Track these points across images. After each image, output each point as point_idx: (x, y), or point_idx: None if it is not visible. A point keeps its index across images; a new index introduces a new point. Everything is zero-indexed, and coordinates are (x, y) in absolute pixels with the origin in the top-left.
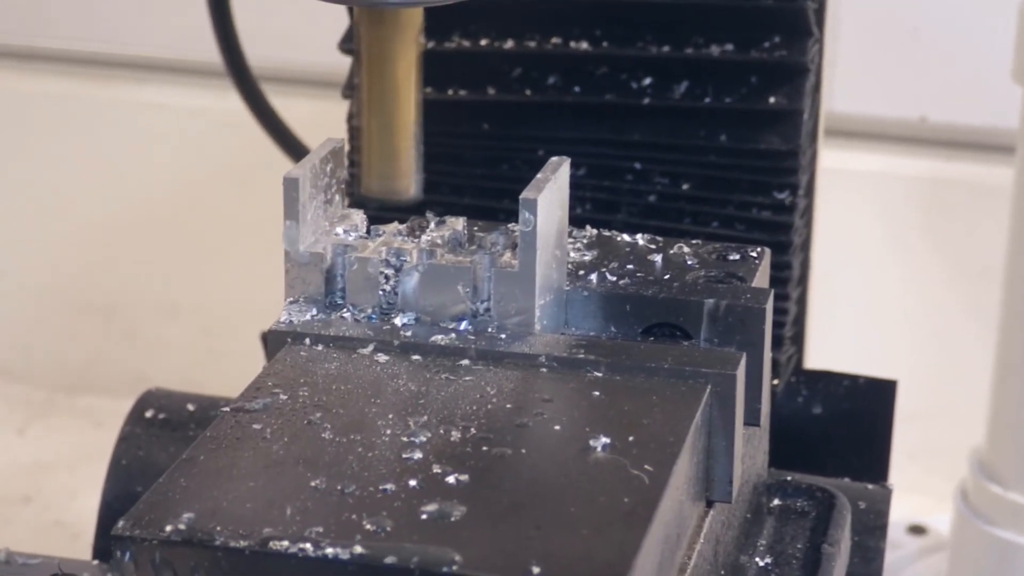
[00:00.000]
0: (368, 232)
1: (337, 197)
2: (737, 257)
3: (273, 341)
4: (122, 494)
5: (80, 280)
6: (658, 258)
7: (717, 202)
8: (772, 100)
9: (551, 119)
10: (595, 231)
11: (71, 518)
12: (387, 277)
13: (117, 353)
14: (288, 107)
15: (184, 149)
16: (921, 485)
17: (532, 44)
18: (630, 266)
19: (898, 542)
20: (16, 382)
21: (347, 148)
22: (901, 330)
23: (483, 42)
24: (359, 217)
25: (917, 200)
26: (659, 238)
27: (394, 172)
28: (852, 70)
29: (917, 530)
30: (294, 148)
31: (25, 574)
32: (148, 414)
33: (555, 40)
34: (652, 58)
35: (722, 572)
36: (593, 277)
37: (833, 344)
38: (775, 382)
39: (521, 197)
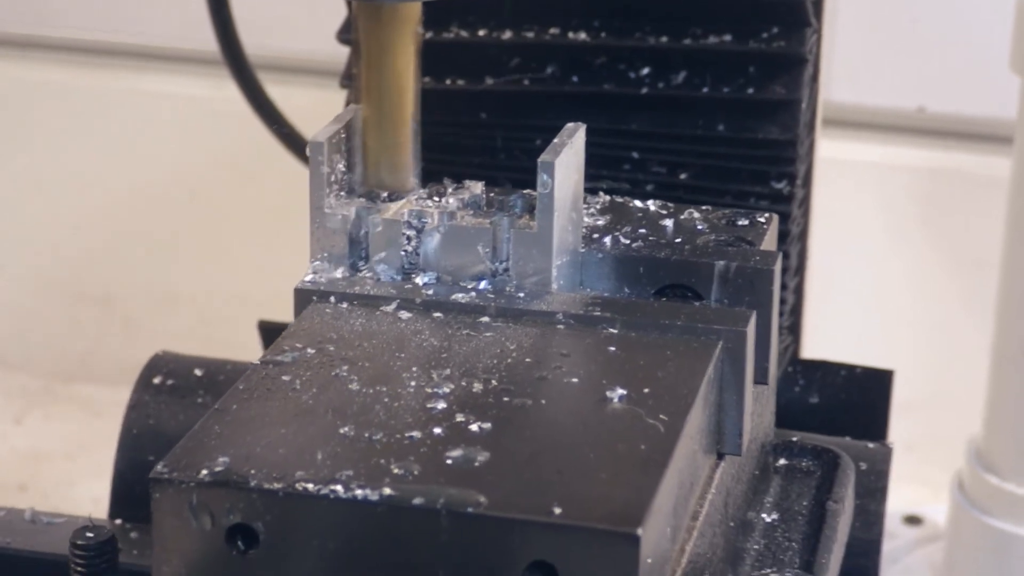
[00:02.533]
0: (390, 196)
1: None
2: (746, 222)
3: (299, 299)
4: (134, 463)
5: (78, 269)
6: (669, 223)
7: (715, 192)
8: (770, 90)
9: (549, 109)
10: (608, 197)
11: (68, 507)
12: (409, 238)
13: (115, 342)
14: (286, 96)
15: (182, 138)
16: (917, 475)
17: (530, 34)
18: (642, 230)
19: (894, 532)
20: (13, 370)
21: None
22: (898, 320)
23: (481, 32)
24: None
25: (915, 190)
26: (670, 204)
27: (393, 163)
28: (850, 60)
29: (913, 520)
30: (291, 138)
31: (50, 532)
32: (156, 380)
33: (553, 30)
34: (650, 48)
35: (731, 523)
36: (607, 240)
37: (830, 334)
38: None
39: (539, 160)
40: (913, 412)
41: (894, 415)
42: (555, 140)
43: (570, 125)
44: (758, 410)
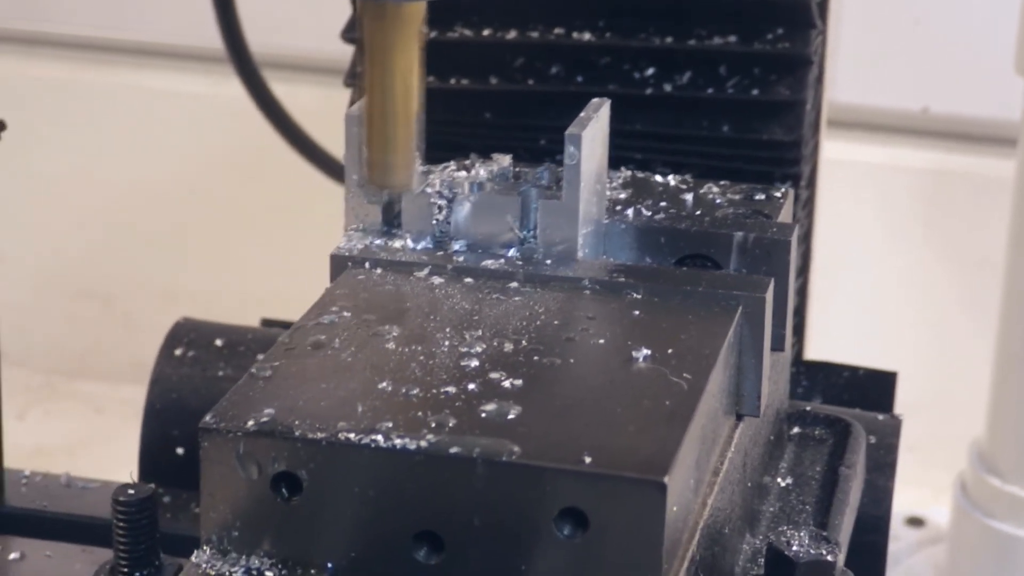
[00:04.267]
0: (424, 170)
1: None
2: (763, 196)
3: (335, 265)
4: (159, 438)
5: (80, 266)
6: (689, 196)
7: None
8: (775, 91)
9: (554, 109)
10: (629, 172)
11: None
12: (440, 208)
13: (116, 339)
14: (290, 95)
15: (185, 135)
16: (920, 477)
17: (535, 34)
18: (663, 203)
19: (897, 534)
20: (15, 367)
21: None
22: (901, 321)
23: (486, 32)
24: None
25: (918, 191)
26: (689, 179)
27: (396, 163)
28: (854, 61)
29: (916, 522)
30: (294, 135)
31: (85, 496)
32: (178, 352)
33: (558, 30)
34: (655, 48)
35: (749, 484)
36: (629, 212)
37: (833, 335)
38: None
39: (567, 133)
40: (916, 414)
41: None
42: (581, 114)
43: (595, 100)
44: (774, 377)
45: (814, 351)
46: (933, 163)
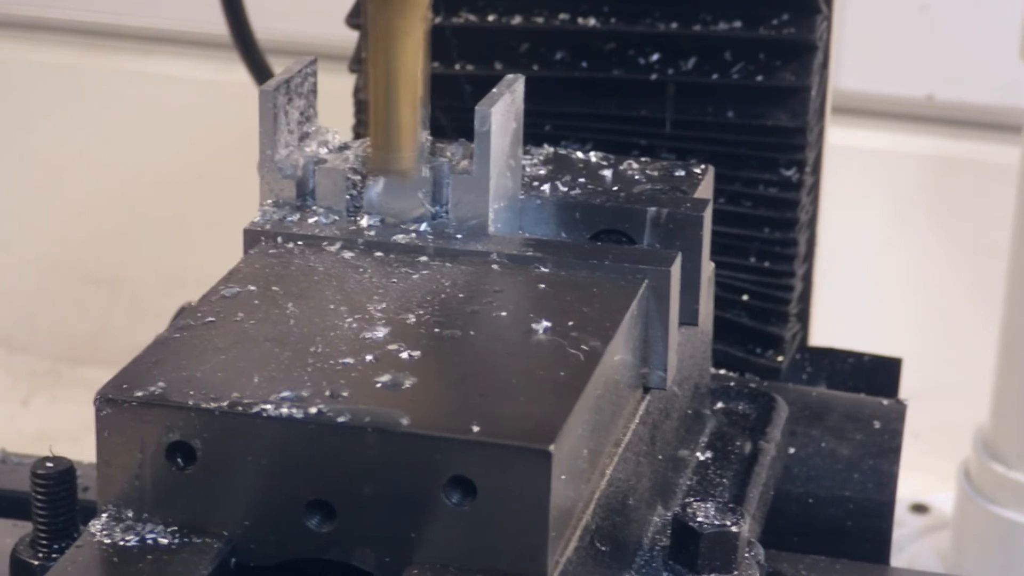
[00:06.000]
0: (340, 146)
1: (312, 112)
2: (682, 173)
3: (248, 239)
4: None
5: (85, 252)
6: (608, 172)
7: (724, 178)
8: (780, 77)
9: (558, 94)
10: (552, 149)
11: None
12: (354, 183)
13: (121, 325)
14: None
15: (190, 121)
16: (924, 464)
17: (540, 20)
18: (582, 179)
19: (901, 521)
20: (20, 353)
21: (354, 122)
22: (906, 308)
23: (491, 17)
24: (332, 133)
25: (923, 178)
26: (611, 156)
27: (400, 148)
28: (860, 48)
29: (920, 508)
30: None
31: (20, 471)
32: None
33: (563, 16)
34: (660, 34)
35: (660, 457)
36: (546, 187)
37: (838, 321)
38: (780, 359)
39: (476, 108)
40: (920, 400)
41: None
42: (493, 89)
43: (509, 76)
44: (688, 351)
45: (819, 337)
46: (938, 150)
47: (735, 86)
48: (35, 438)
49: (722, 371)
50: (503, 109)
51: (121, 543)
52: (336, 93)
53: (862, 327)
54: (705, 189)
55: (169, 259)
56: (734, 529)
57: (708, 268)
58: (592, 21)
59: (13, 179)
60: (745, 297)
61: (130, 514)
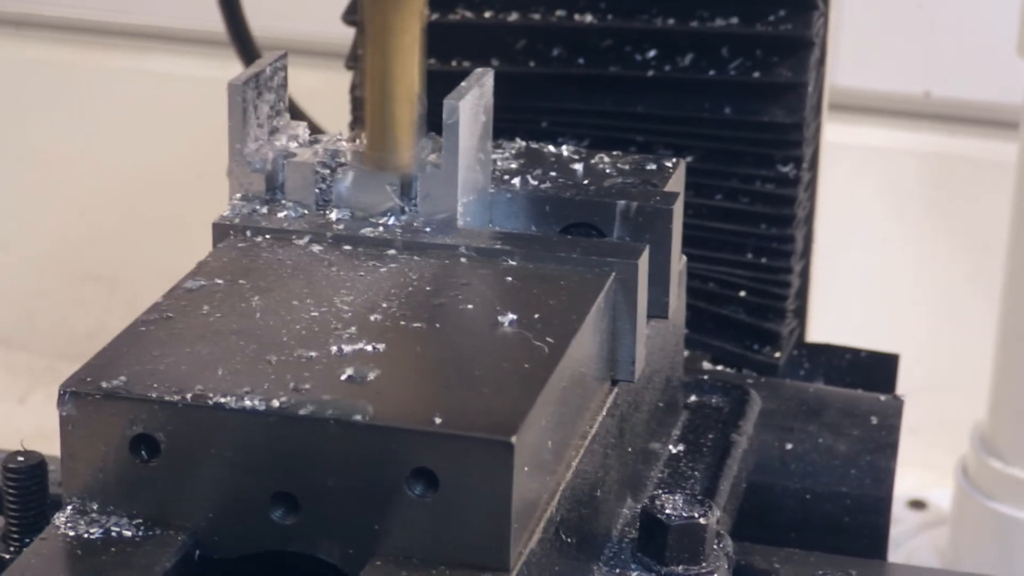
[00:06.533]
0: (309, 140)
1: (283, 106)
2: (653, 167)
3: (217, 233)
4: None
5: (83, 250)
6: (579, 167)
7: (721, 174)
8: (777, 73)
9: (555, 91)
10: (524, 143)
11: None
12: (323, 177)
13: (119, 323)
14: (291, 78)
15: (187, 119)
16: (922, 460)
17: (537, 16)
18: (553, 173)
19: (899, 517)
20: (18, 350)
21: (350, 119)
22: (903, 304)
23: (487, 14)
24: (303, 127)
25: (921, 174)
26: (583, 149)
27: (396, 144)
28: (857, 44)
29: (917, 504)
30: (297, 118)
31: None
32: None
33: (560, 12)
34: (657, 30)
35: (630, 450)
36: (516, 181)
37: (836, 318)
38: (777, 355)
39: (444, 101)
40: (918, 396)
41: None
42: (462, 83)
43: (479, 70)
44: (659, 344)
45: (816, 333)
46: (935, 146)
47: (732, 82)
48: (32, 434)
49: (719, 367)
50: (471, 102)
51: (85, 535)
52: (333, 90)
53: (859, 323)
54: (676, 182)
55: (168, 258)
56: (702, 521)
57: (680, 261)
58: (589, 17)
59: (12, 178)
60: (742, 293)
61: (95, 507)
